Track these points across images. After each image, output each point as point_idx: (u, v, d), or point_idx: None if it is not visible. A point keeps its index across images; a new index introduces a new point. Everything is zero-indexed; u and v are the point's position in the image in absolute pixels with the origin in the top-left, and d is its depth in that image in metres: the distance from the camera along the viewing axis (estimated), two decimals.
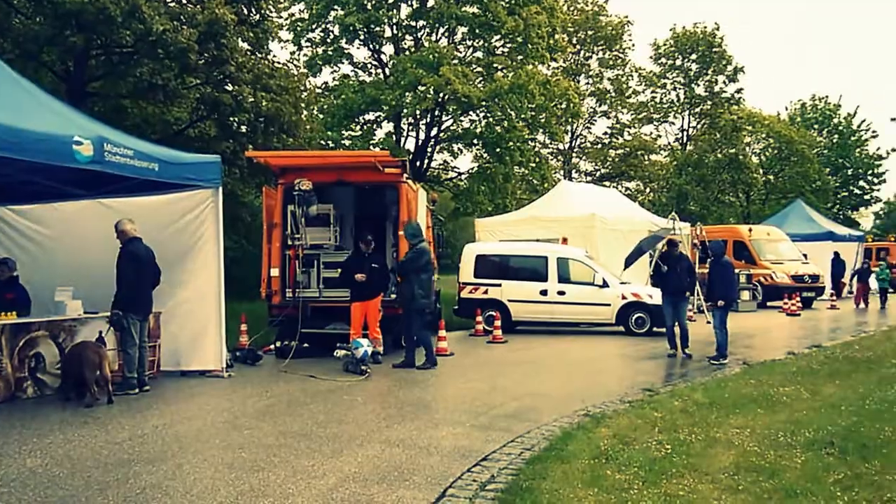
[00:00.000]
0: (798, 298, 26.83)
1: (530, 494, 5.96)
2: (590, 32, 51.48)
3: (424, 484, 6.35)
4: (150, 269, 10.95)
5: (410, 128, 35.10)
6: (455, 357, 14.56)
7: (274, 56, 28.80)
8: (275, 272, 14.57)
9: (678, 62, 54.23)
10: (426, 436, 8.07)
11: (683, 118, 55.95)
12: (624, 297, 18.82)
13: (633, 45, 52.30)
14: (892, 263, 32.47)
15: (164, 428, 8.45)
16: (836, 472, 6.53)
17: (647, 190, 55.40)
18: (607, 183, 49.30)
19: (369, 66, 35.07)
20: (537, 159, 38.69)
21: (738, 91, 54.01)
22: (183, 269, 11.96)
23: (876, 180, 66.36)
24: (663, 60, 54.56)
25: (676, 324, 14.65)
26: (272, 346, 14.71)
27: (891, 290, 29.89)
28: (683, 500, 5.86)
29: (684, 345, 14.53)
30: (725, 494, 6.00)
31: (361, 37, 33.20)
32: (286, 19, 31.67)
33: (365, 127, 34.32)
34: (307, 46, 33.33)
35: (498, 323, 17.64)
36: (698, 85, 54.26)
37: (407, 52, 33.28)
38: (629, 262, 19.21)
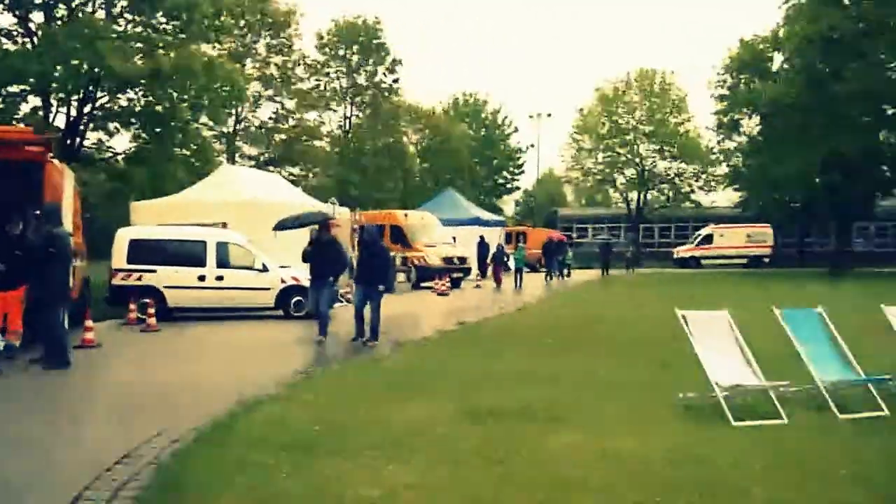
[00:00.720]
0: (448, 279, 28.70)
1: (174, 489, 5.80)
2: (257, 17, 51.05)
3: (57, 488, 5.88)
4: None
5: (61, 104, 32.47)
6: (103, 348, 13.81)
7: None
8: None
9: (341, 52, 55.34)
10: (63, 435, 7.61)
11: (346, 106, 57.25)
12: (283, 281, 18.92)
13: (301, 34, 52.59)
14: (527, 247, 35.96)
15: None
16: (474, 436, 7.16)
17: (311, 175, 56.06)
18: (271, 168, 49.24)
19: (15, 34, 31.91)
20: (200, 141, 37.64)
21: (396, 81, 56.24)
22: None
23: (517, 171, 74.97)
24: (327, 49, 55.42)
25: (331, 307, 14.96)
26: None
27: (527, 269, 33.01)
28: (331, 480, 5.96)
29: (321, 331, 14.71)
30: (367, 472, 6.18)
31: (6, 1, 30.12)
32: None
33: (7, 100, 31.24)
34: None
35: (152, 311, 16.96)
36: (360, 75, 55.74)
37: (59, 23, 30.73)
38: (281, 227, 18.98)
